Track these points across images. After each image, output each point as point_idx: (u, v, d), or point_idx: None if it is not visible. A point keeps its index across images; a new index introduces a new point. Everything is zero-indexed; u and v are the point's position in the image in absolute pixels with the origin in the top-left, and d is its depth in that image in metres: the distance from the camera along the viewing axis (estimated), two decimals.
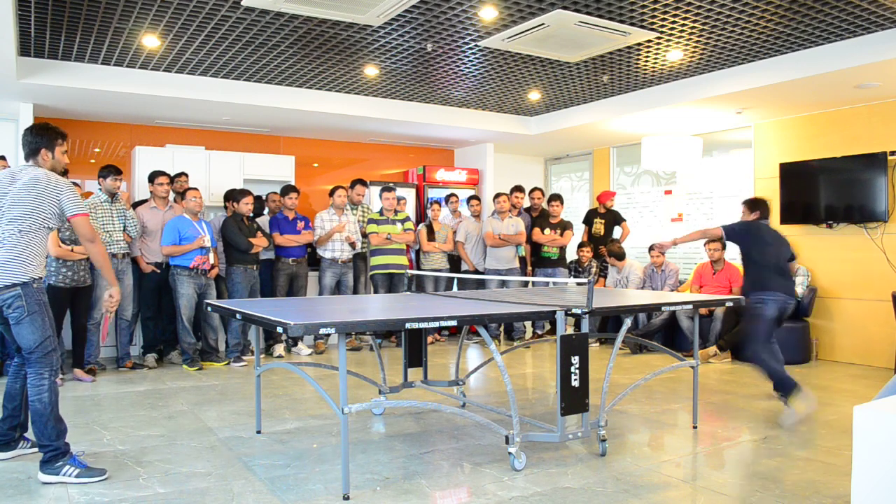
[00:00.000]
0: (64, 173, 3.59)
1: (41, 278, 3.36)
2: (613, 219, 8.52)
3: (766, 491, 3.17)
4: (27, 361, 3.32)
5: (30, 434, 3.68)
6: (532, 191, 8.50)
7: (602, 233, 8.43)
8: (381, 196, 7.56)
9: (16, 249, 3.26)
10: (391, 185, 8.17)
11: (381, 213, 7.51)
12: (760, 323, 4.55)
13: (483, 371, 6.10)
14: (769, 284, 4.61)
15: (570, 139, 8.97)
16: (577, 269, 8.23)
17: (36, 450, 3.63)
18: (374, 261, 7.42)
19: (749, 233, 4.78)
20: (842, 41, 5.39)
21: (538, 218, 8.21)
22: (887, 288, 6.33)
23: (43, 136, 3.43)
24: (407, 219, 7.65)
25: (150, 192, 6.50)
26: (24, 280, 3.26)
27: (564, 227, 8.01)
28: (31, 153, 3.42)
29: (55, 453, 3.26)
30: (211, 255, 6.26)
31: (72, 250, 5.40)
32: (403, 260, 7.48)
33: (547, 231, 7.95)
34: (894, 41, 5.11)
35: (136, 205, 6.57)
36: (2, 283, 3.23)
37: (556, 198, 8.13)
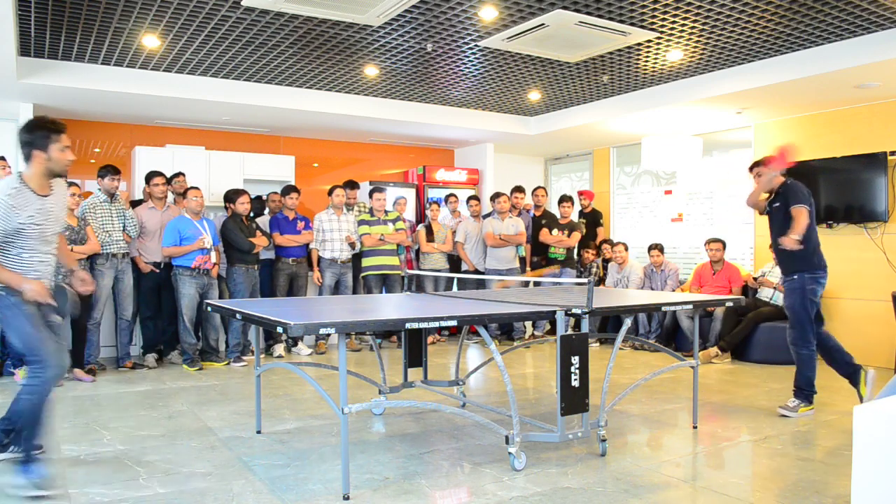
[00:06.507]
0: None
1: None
2: (594, 220, 8.62)
3: (766, 491, 3.17)
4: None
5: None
6: (535, 189, 8.51)
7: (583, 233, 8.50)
8: (370, 197, 7.55)
9: None
10: (381, 185, 8.15)
11: (371, 213, 7.50)
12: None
13: (483, 371, 6.09)
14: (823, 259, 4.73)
15: (570, 139, 8.96)
16: (579, 269, 8.23)
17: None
18: (367, 262, 7.37)
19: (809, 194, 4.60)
20: (842, 41, 5.39)
21: (546, 218, 8.20)
22: (887, 288, 6.33)
23: (34, 133, 3.15)
24: (398, 218, 7.64)
25: (147, 192, 6.49)
26: None
27: (572, 227, 8.02)
28: (25, 157, 3.16)
29: (24, 457, 3.13)
30: (213, 254, 6.26)
31: (72, 249, 5.40)
32: (395, 260, 7.46)
33: (555, 232, 7.96)
34: (894, 41, 5.11)
35: (133, 204, 6.57)
36: None
37: (566, 199, 8.14)
